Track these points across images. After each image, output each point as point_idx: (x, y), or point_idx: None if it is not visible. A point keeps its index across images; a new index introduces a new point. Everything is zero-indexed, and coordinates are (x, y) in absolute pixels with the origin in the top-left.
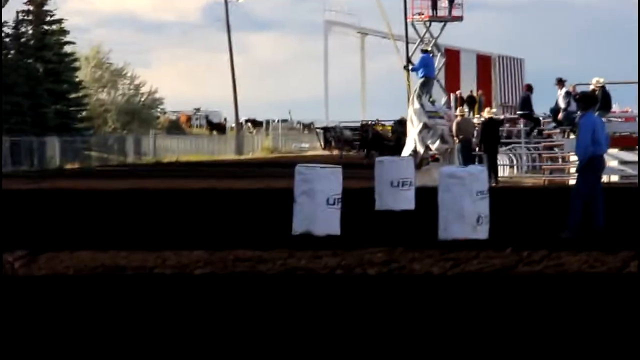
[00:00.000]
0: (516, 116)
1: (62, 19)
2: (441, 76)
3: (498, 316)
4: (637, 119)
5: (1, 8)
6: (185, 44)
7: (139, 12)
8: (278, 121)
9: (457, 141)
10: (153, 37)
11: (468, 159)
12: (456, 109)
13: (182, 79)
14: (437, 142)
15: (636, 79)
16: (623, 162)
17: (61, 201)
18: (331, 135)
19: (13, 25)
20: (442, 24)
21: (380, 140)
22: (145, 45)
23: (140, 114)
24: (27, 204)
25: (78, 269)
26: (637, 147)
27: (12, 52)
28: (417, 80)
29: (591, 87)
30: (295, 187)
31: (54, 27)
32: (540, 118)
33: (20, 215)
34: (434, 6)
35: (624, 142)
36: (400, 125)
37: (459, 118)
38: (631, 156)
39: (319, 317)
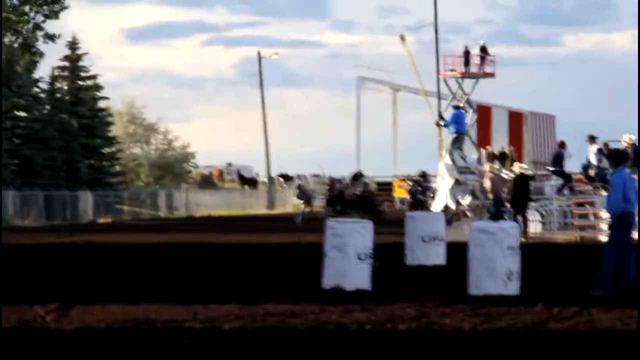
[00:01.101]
0: (547, 172)
1: (96, 75)
2: (473, 132)
3: None
4: None
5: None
6: (220, 99)
7: (173, 68)
8: (310, 176)
9: (490, 197)
10: (187, 92)
11: (499, 214)
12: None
13: (215, 134)
14: (468, 198)
15: None
16: None
17: (93, 255)
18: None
19: (49, 80)
20: (474, 80)
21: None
22: (180, 101)
23: (173, 168)
24: (59, 258)
25: (109, 322)
26: None
27: (47, 107)
28: (448, 135)
29: (622, 144)
30: (325, 241)
31: (89, 82)
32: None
33: (53, 269)
34: (466, 63)
35: None
36: (359, 183)
37: (491, 174)
38: None
39: None
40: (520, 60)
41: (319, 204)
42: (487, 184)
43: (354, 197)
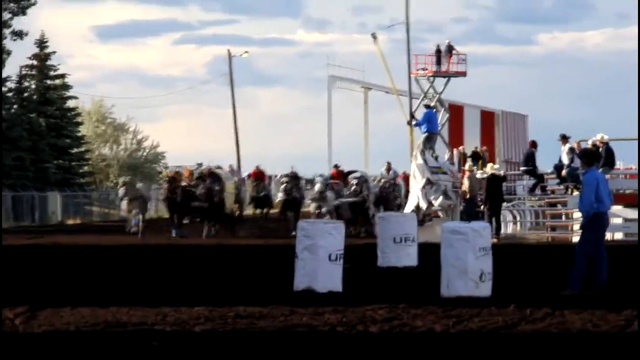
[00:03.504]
0: (519, 172)
1: (65, 74)
2: (444, 131)
3: None
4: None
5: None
6: (190, 98)
7: (144, 67)
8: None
9: (467, 197)
10: (158, 92)
11: (472, 215)
12: (459, 164)
13: (186, 134)
14: (440, 198)
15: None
16: (627, 220)
17: (62, 257)
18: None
19: (16, 79)
20: (446, 79)
21: (189, 200)
22: (150, 101)
23: (143, 168)
24: (27, 260)
25: (79, 325)
26: None
27: (15, 106)
28: (420, 135)
29: (590, 142)
30: (297, 242)
31: (57, 81)
32: (544, 174)
33: (21, 271)
34: (438, 61)
35: (628, 199)
36: (216, 182)
37: (468, 174)
38: (635, 213)
39: None
40: (494, 59)
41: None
42: (466, 183)
43: (203, 202)
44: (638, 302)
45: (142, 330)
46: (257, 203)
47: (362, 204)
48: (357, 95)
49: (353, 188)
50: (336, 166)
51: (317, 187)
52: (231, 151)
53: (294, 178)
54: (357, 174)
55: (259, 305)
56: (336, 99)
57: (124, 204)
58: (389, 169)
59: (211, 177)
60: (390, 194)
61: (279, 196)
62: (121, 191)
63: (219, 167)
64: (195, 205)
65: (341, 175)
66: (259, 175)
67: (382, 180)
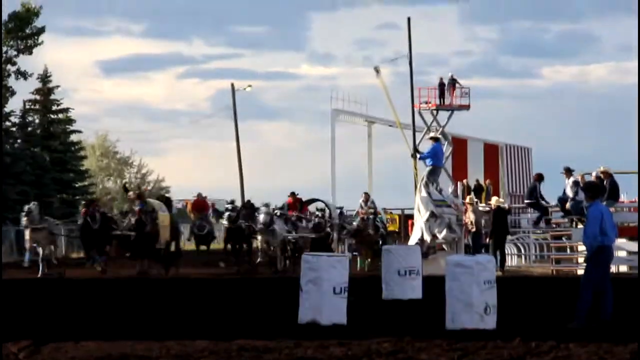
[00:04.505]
0: (524, 205)
1: (68, 108)
2: (448, 165)
3: None
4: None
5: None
6: (194, 132)
7: (148, 101)
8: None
9: (474, 229)
10: (162, 126)
11: (478, 247)
12: (463, 197)
13: (190, 167)
14: (445, 231)
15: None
16: (631, 253)
17: (66, 290)
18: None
19: (20, 114)
20: (449, 112)
21: (109, 229)
22: (154, 134)
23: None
24: (31, 293)
25: (83, 359)
26: None
27: (18, 140)
28: (424, 168)
29: (593, 175)
30: (301, 275)
31: (61, 116)
32: (548, 207)
33: (25, 305)
34: (441, 95)
35: (632, 232)
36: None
37: (472, 207)
38: None
39: None
40: (497, 92)
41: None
42: (472, 216)
43: (130, 229)
44: (638, 336)
45: None
46: (198, 240)
47: (324, 240)
48: (361, 128)
49: (316, 221)
50: (293, 194)
51: (262, 218)
52: (235, 185)
53: (248, 208)
54: (319, 204)
55: (263, 339)
56: (340, 132)
57: (27, 234)
58: (366, 200)
59: (142, 201)
60: (369, 227)
61: (223, 224)
62: (24, 220)
63: (232, 202)
64: (118, 234)
65: (298, 204)
66: (199, 205)
67: (360, 213)
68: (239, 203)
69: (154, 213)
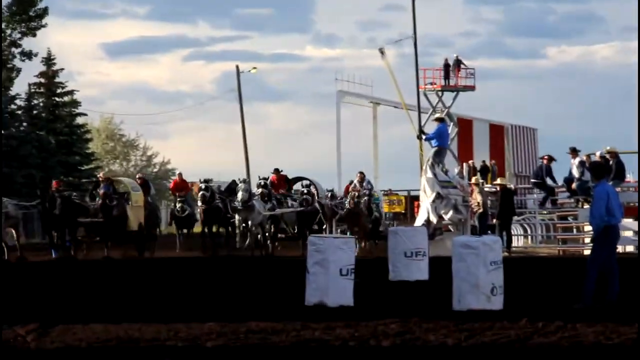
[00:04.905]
0: (530, 186)
1: (73, 91)
2: (454, 146)
3: None
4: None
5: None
6: (199, 114)
7: (154, 83)
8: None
9: (480, 210)
10: (167, 108)
11: (485, 228)
12: (469, 178)
13: (195, 150)
14: (451, 212)
15: None
16: (637, 232)
17: (73, 272)
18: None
19: (25, 97)
20: (455, 93)
21: (73, 214)
22: (159, 117)
23: (153, 184)
24: (39, 276)
25: (91, 342)
26: None
27: (24, 124)
28: (429, 149)
29: (598, 155)
30: (308, 257)
31: (66, 99)
32: (555, 187)
33: (32, 287)
34: (446, 76)
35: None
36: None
37: (478, 188)
38: None
39: None
40: (503, 73)
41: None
42: (479, 197)
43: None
44: (638, 316)
45: (154, 346)
46: (178, 223)
47: (311, 215)
48: (366, 110)
49: (303, 198)
50: (277, 170)
51: (240, 195)
52: (241, 167)
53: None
54: (306, 182)
55: (270, 320)
56: (345, 114)
57: None
58: (362, 179)
59: (107, 184)
60: (363, 208)
61: (197, 207)
62: None
63: (207, 180)
64: (84, 221)
65: (283, 182)
66: (179, 186)
67: (351, 191)
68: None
69: (126, 195)
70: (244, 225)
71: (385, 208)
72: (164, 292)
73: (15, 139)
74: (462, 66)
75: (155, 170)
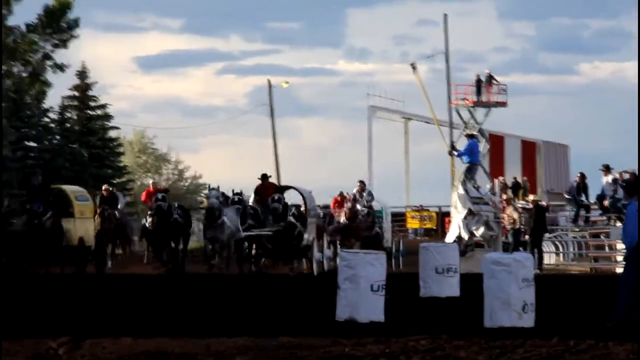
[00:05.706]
0: (562, 202)
1: (106, 104)
2: (485, 162)
3: None
4: None
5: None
6: (232, 128)
7: (186, 97)
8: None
9: (516, 227)
10: (199, 122)
11: (518, 245)
12: (500, 195)
13: (227, 164)
14: (482, 229)
15: None
16: None
17: (105, 286)
18: None
19: (58, 110)
20: (487, 109)
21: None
22: (191, 131)
23: (184, 199)
24: (70, 289)
25: (121, 355)
26: None
27: (57, 137)
28: (461, 165)
29: (629, 173)
30: (339, 273)
31: (99, 112)
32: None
33: (64, 301)
34: (478, 92)
35: None
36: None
37: (511, 205)
38: None
39: None
40: (535, 89)
41: None
42: (515, 215)
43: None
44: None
45: None
46: (149, 238)
47: (287, 233)
48: (398, 125)
49: (272, 207)
50: (264, 176)
51: (210, 202)
52: (272, 181)
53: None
54: (277, 195)
55: (301, 336)
56: (376, 129)
57: None
58: (362, 189)
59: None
60: (362, 223)
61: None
62: None
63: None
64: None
65: (270, 190)
66: (152, 195)
67: (351, 206)
68: None
69: (66, 206)
70: (210, 246)
71: (416, 224)
72: (191, 307)
73: (49, 152)
74: (494, 82)
75: (186, 184)
